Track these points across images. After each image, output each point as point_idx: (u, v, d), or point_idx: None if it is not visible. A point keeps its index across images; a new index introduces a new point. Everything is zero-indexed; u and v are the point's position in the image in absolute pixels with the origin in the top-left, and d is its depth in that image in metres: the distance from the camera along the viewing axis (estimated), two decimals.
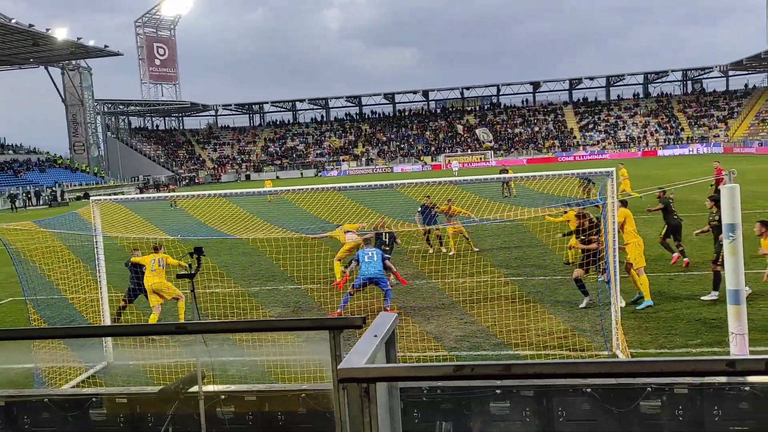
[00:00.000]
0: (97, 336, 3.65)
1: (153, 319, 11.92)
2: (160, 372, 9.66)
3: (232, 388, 6.04)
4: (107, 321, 10.62)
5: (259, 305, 13.52)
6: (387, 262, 13.08)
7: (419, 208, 18.03)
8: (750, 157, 69.41)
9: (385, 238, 15.62)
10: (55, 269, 10.42)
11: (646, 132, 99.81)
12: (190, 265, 4.81)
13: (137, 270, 12.40)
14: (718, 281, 11.92)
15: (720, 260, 11.76)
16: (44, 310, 12.19)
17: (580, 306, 11.75)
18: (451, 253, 17.54)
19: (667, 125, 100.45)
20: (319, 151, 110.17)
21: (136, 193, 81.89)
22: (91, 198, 10.25)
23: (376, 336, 2.36)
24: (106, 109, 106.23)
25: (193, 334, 3.43)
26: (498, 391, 6.03)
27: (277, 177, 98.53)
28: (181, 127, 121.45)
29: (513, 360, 9.34)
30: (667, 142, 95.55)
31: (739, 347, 6.45)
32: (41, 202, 69.17)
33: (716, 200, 12.75)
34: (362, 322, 2.62)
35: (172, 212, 13.33)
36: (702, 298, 12.17)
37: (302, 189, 9.82)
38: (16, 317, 13.99)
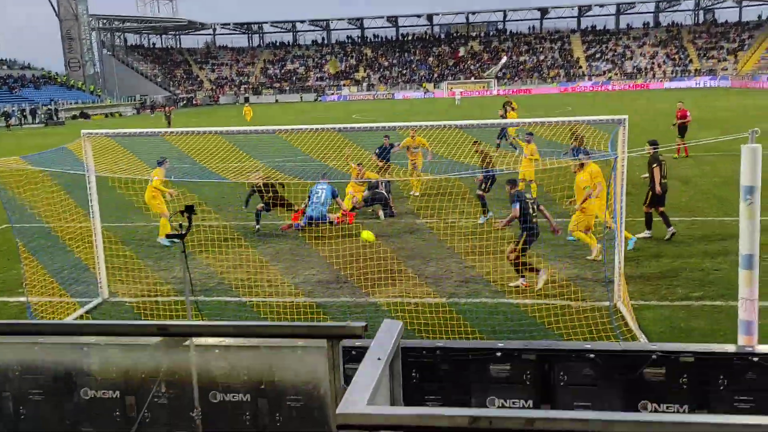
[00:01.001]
0: (77, 334, 3.47)
1: (162, 224, 13.05)
2: (155, 312, 9.57)
3: (227, 341, 5.86)
4: (101, 255, 10.41)
5: (255, 243, 13.35)
6: (337, 198, 13.71)
7: (376, 150, 17.46)
8: (756, 92, 68.01)
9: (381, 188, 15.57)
10: (41, 199, 10.18)
11: (653, 63, 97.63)
12: (180, 225, 4.54)
13: (260, 190, 14.14)
14: (649, 221, 12.85)
15: (647, 201, 12.73)
16: (38, 240, 12.03)
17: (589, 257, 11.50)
18: (416, 194, 17.36)
19: (676, 56, 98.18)
20: (319, 75, 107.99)
21: (134, 114, 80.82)
22: (82, 132, 9.84)
23: (379, 359, 2.11)
24: (101, 25, 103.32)
25: (175, 336, 3.22)
26: (499, 354, 5.88)
27: (276, 101, 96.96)
28: (178, 46, 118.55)
29: (509, 305, 9.20)
30: (674, 74, 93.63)
31: (747, 312, 6.28)
32: (37, 120, 68.09)
33: (652, 142, 12.62)
34: (363, 330, 2.37)
35: (165, 149, 12.93)
36: (637, 235, 12.42)
37: (290, 129, 9.37)
38: (10, 246, 13.84)
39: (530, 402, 5.89)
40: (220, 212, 15.82)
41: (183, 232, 4.59)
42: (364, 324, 2.34)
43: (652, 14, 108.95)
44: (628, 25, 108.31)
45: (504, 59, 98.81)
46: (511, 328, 8.54)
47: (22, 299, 9.89)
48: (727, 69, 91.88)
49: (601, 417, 1.68)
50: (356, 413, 1.72)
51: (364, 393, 1.83)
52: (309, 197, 13.72)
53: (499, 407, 5.95)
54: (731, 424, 1.59)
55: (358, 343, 3.63)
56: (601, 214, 11.40)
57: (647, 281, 10.36)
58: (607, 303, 9.38)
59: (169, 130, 10.05)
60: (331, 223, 13.96)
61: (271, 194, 14.08)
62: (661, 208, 12.78)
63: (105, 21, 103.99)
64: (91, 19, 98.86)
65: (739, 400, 5.64)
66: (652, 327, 8.39)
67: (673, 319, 8.83)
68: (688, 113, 23.30)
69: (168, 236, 4.10)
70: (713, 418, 1.63)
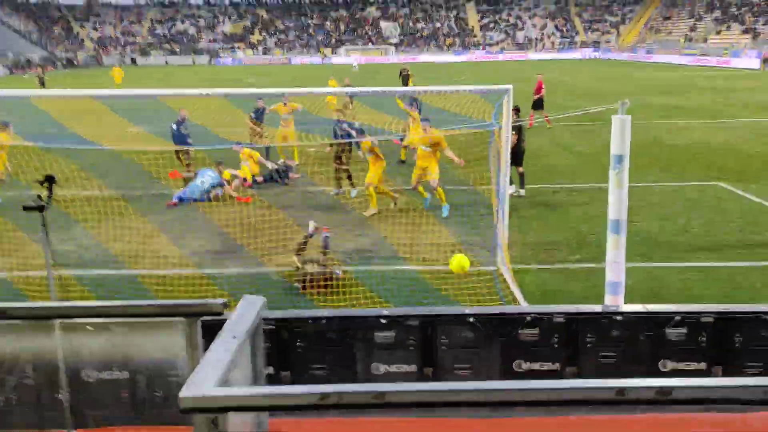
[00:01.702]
0: None
1: None
2: (30, 287, 8.99)
3: (101, 320, 5.57)
4: None
5: (141, 213, 12.77)
6: (224, 188, 13.87)
7: (251, 113, 17.10)
8: (633, 64, 71.98)
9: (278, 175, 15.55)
10: None
11: (543, 34, 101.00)
12: (39, 197, 4.19)
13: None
14: (521, 180, 13.98)
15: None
16: None
17: None
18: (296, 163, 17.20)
19: (564, 28, 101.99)
20: (212, 37, 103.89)
21: (6, 74, 74.69)
22: None
23: (234, 337, 2.05)
24: None
25: (14, 319, 3.00)
26: (383, 321, 5.96)
27: (167, 63, 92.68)
28: (55, 1, 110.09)
29: (399, 269, 9.37)
30: (562, 46, 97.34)
31: (614, 274, 6.70)
32: None
33: (516, 109, 13.29)
34: (222, 307, 2.30)
35: (30, 112, 12.03)
36: (512, 193, 12.89)
37: (173, 94, 8.96)
38: None
39: (413, 366, 6.04)
40: (101, 180, 15.00)
41: (43, 204, 4.27)
42: (223, 301, 2.27)
43: None
44: None
45: (394, 25, 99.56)
46: (402, 294, 8.69)
47: None
48: (610, 41, 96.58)
49: (446, 387, 1.71)
50: (199, 396, 1.67)
51: (212, 374, 1.77)
52: (195, 176, 13.63)
53: (384, 373, 6.07)
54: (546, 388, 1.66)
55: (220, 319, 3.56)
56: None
57: (529, 247, 10.82)
58: (491, 267, 9.74)
59: (39, 92, 9.34)
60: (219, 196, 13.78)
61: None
62: (521, 169, 13.86)
63: None
64: None
65: (604, 356, 6.03)
66: (532, 290, 8.80)
67: (551, 282, 9.30)
68: (543, 87, 23.97)
69: (25, 208, 3.73)
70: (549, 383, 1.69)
